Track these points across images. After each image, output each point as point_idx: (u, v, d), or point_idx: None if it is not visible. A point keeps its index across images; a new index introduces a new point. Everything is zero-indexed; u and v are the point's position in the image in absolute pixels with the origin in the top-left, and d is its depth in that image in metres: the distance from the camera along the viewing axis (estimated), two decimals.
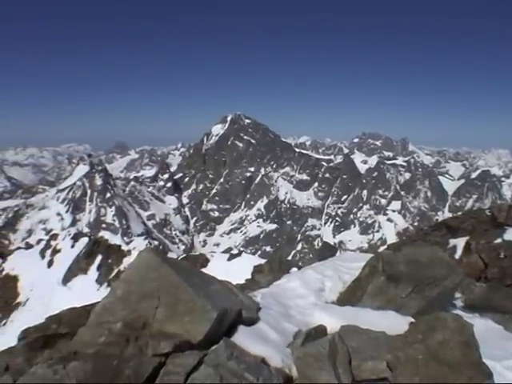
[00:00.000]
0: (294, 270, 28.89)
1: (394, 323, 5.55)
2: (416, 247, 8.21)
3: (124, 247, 47.27)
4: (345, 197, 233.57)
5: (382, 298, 6.59)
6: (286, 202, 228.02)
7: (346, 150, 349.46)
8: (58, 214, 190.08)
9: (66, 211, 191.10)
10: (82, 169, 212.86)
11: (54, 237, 49.39)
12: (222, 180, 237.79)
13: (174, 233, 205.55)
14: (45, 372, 3.94)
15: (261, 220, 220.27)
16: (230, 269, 35.37)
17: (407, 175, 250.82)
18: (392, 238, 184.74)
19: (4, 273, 44.20)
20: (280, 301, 6.74)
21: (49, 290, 40.31)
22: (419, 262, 6.87)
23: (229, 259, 41.24)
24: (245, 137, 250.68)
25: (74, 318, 6.13)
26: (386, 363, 4.52)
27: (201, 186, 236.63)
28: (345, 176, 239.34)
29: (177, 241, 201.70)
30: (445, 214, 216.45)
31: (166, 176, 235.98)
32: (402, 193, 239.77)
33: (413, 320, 5.57)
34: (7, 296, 42.20)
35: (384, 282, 6.78)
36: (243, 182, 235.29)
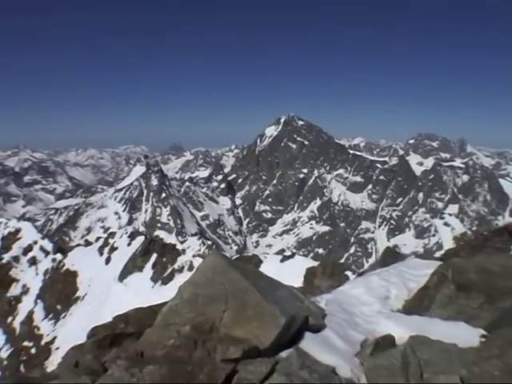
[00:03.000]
0: (348, 273, 28.58)
1: (465, 335, 5.30)
2: (488, 255, 7.87)
3: (178, 246, 47.80)
4: (400, 199, 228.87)
5: (451, 308, 6.28)
6: (339, 204, 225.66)
7: (401, 152, 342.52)
8: (116, 213, 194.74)
9: (123, 210, 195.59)
10: (139, 169, 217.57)
11: (112, 235, 50.48)
12: (275, 181, 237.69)
13: (227, 233, 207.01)
14: (122, 375, 3.99)
15: (313, 222, 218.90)
16: (283, 270, 35.21)
17: (465, 178, 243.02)
18: (449, 243, 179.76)
19: (64, 268, 45.44)
20: (345, 308, 6.59)
21: (106, 286, 41.19)
22: (491, 271, 6.52)
23: (282, 261, 41.07)
24: (298, 138, 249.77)
25: (140, 317, 6.19)
26: (460, 378, 4.32)
27: (254, 188, 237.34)
28: (400, 178, 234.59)
29: (230, 241, 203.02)
30: (506, 219, 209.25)
31: (219, 177, 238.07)
32: (460, 196, 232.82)
33: (485, 332, 5.31)
34: (67, 290, 43.40)
35: (454, 291, 6.47)
36: (296, 183, 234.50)
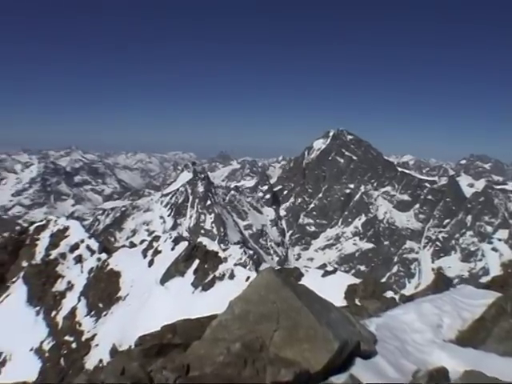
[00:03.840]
0: (390, 293, 28.04)
1: None
2: None
3: (220, 254, 47.93)
4: (447, 221, 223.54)
5: (509, 344, 6.00)
6: (384, 221, 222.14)
7: (451, 172, 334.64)
8: (161, 217, 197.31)
9: (169, 215, 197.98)
10: (186, 176, 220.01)
11: (156, 238, 50.98)
12: (320, 195, 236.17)
13: (269, 244, 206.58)
14: None
15: (357, 238, 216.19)
16: (324, 286, 34.79)
17: None
18: (496, 269, 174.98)
19: (108, 268, 46.11)
20: (396, 334, 6.37)
21: (147, 288, 41.54)
22: None
23: (323, 276, 40.59)
24: (346, 153, 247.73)
25: (188, 329, 6.16)
26: None
27: (299, 200, 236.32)
28: (448, 199, 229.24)
29: (271, 252, 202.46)
30: None
31: (265, 187, 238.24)
32: (511, 221, 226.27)
33: None
34: (110, 289, 44.01)
35: None
36: (342, 198, 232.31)
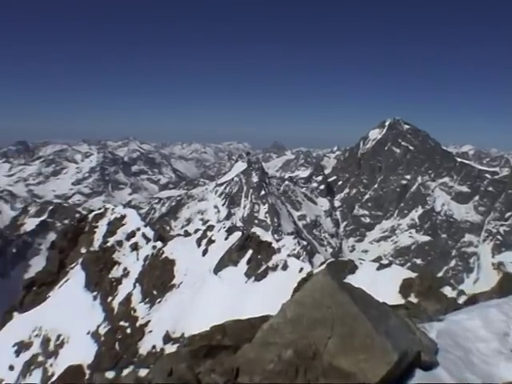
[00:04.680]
0: (448, 288, 27.20)
1: None
2: None
3: (274, 244, 47.81)
4: (509, 214, 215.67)
5: None
6: (442, 213, 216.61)
7: None
8: (215, 207, 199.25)
9: (223, 205, 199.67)
10: (240, 166, 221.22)
11: (210, 228, 51.30)
12: (376, 186, 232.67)
13: (323, 235, 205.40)
14: None
15: (413, 230, 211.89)
16: (378, 279, 34.14)
17: None
18: None
19: (163, 256, 46.72)
20: (459, 342, 5.90)
21: (201, 277, 41.86)
22: None
23: (378, 269, 39.86)
24: (403, 143, 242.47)
25: (238, 330, 5.98)
26: None
27: (354, 191, 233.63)
28: (510, 191, 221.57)
29: (325, 243, 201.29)
30: None
31: (319, 178, 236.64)
32: None
33: None
34: (164, 277, 44.63)
35: None
36: (398, 189, 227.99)
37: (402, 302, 23.00)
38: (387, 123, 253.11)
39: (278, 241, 59.39)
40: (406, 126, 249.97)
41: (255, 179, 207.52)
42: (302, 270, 36.61)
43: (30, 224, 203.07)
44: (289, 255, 43.63)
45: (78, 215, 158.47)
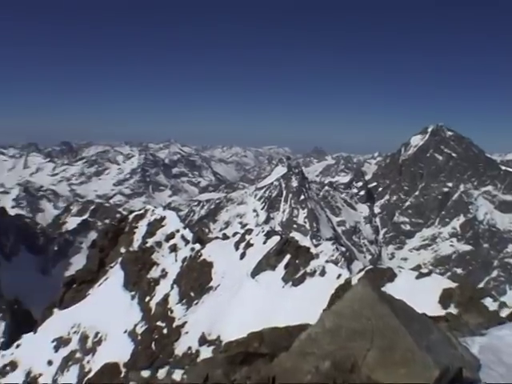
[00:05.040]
0: (489, 300, 26.48)
1: None
2: None
3: (312, 250, 47.50)
4: None
5: None
6: (484, 223, 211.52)
7: None
8: (254, 211, 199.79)
9: (262, 208, 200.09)
10: (280, 170, 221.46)
11: (249, 231, 51.27)
12: (417, 193, 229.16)
13: (362, 241, 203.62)
14: None
15: (454, 239, 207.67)
16: (417, 288, 33.52)
17: None
18: None
19: (201, 258, 46.93)
20: (502, 359, 5.62)
21: (238, 280, 41.86)
22: None
23: (417, 277, 39.16)
24: (445, 150, 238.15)
25: (275, 338, 5.91)
26: None
27: (394, 197, 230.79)
28: None
29: (364, 250, 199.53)
30: None
31: (359, 184, 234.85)
32: None
33: None
34: (202, 279, 44.80)
35: None
36: (439, 197, 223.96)
37: (442, 312, 22.53)
38: (430, 129, 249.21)
39: (316, 246, 59.08)
40: (449, 133, 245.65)
41: (295, 184, 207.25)
42: (339, 276, 36.22)
43: (72, 223, 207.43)
44: (327, 261, 43.25)
45: (118, 215, 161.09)
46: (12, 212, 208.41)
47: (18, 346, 50.59)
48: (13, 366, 47.44)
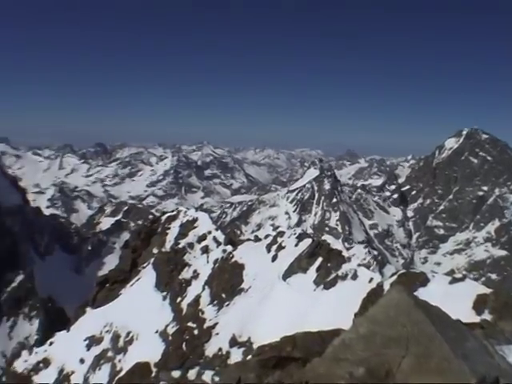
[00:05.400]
0: None
1: None
2: None
3: (344, 253, 47.16)
4: None
5: None
6: None
7: None
8: (286, 213, 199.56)
9: (294, 211, 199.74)
10: (313, 172, 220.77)
11: (281, 234, 51.08)
12: (451, 197, 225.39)
13: (394, 245, 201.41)
14: None
15: (489, 244, 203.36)
16: (450, 294, 32.89)
17: None
18: None
19: (233, 260, 46.99)
20: None
21: (269, 283, 41.76)
22: None
23: (450, 283, 38.47)
24: (480, 153, 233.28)
25: (308, 343, 5.85)
26: None
27: (428, 201, 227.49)
28: None
29: (396, 254, 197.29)
30: None
31: (392, 187, 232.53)
32: None
33: None
34: (233, 281, 44.83)
35: None
36: (474, 201, 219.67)
37: (476, 318, 22.12)
38: (464, 132, 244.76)
39: (348, 249, 58.70)
40: (485, 136, 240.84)
41: (327, 186, 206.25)
42: (371, 280, 35.84)
43: (106, 223, 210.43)
44: (359, 264, 42.80)
45: (151, 216, 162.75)
46: (47, 212, 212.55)
47: (51, 344, 51.47)
48: (46, 363, 48.33)
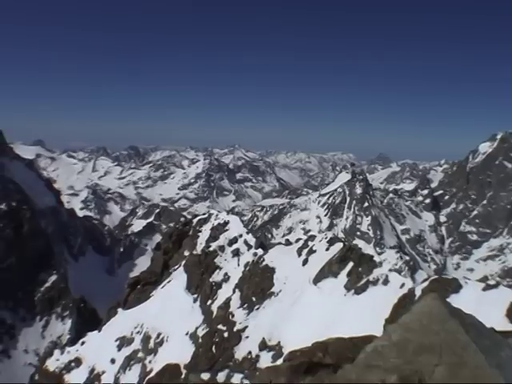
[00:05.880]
0: None
1: None
2: None
3: (375, 258, 46.74)
4: None
5: None
6: None
7: None
8: (317, 217, 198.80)
9: (325, 215, 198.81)
10: (344, 176, 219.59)
11: (312, 238, 50.86)
12: (485, 202, 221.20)
13: (426, 251, 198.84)
14: None
15: None
16: (483, 301, 32.32)
17: None
18: None
19: (264, 263, 46.98)
20: None
21: (300, 287, 41.63)
22: None
23: (484, 289, 37.77)
24: None
25: (339, 349, 5.84)
26: None
27: (461, 206, 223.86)
28: None
29: (428, 259, 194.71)
30: None
31: (425, 192, 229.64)
32: None
33: None
34: (263, 285, 44.80)
35: None
36: (508, 206, 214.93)
37: (509, 326, 21.74)
38: (499, 136, 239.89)
39: (379, 254, 58.17)
40: None
41: (359, 191, 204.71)
42: (403, 285, 35.43)
43: (138, 225, 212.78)
44: (390, 270, 42.38)
45: (182, 219, 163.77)
46: (80, 213, 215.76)
47: (83, 343, 52.27)
48: (77, 362, 49.08)
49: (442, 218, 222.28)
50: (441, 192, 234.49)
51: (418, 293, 28.28)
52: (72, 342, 71.97)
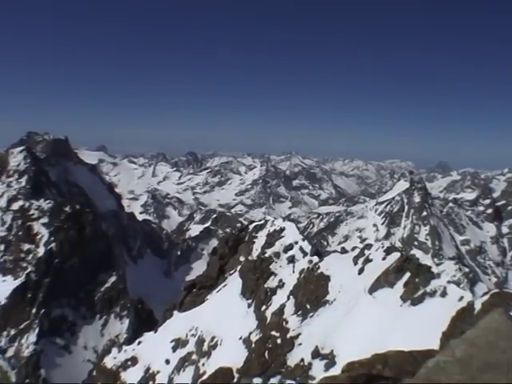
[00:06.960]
0: None
1: None
2: None
3: (433, 269, 45.63)
4: None
5: None
6: None
7: None
8: (374, 225, 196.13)
9: (382, 223, 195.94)
10: (403, 185, 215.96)
11: (368, 246, 50.04)
12: None
13: (487, 263, 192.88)
14: None
15: None
16: None
17: None
18: None
19: (319, 271, 46.60)
20: None
21: (355, 296, 41.07)
22: None
23: None
24: None
25: (400, 362, 5.68)
26: None
27: None
28: None
29: (489, 272, 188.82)
30: None
31: (487, 201, 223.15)
32: None
33: None
34: (318, 292, 44.40)
35: None
36: None
37: None
38: None
39: (438, 265, 56.69)
40: None
41: (417, 199, 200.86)
42: (462, 298, 34.37)
43: (195, 230, 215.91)
44: (449, 281, 41.18)
45: (239, 225, 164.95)
46: (140, 217, 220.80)
47: (139, 343, 53.31)
48: (134, 361, 50.09)
49: (505, 230, 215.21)
50: (503, 202, 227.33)
51: (477, 306, 27.33)
52: (129, 341, 73.60)
